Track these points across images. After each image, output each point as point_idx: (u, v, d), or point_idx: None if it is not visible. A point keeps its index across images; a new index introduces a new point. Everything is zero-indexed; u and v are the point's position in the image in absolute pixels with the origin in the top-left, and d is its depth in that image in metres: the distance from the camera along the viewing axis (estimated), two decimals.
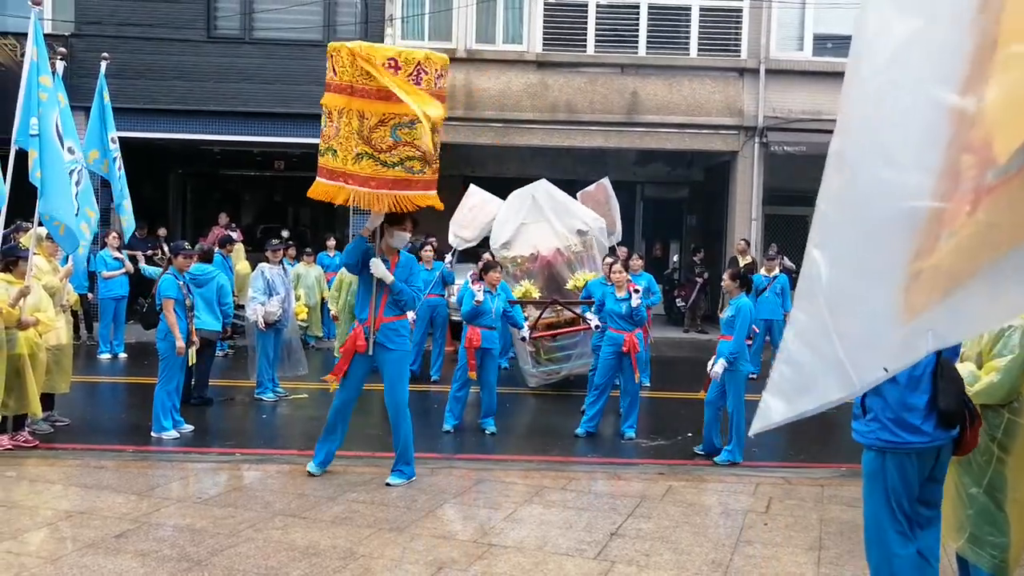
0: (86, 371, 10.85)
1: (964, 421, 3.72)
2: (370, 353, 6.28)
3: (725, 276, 7.57)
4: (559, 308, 10.38)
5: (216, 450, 7.37)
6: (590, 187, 11.73)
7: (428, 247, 11.41)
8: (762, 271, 12.15)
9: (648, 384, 10.64)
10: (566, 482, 6.48)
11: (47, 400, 7.62)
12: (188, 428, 7.85)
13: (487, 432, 8.15)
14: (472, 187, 11.97)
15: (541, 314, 10.27)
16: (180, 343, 7.66)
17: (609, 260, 9.30)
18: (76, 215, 7.50)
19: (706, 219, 17.96)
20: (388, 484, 6.23)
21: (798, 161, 15.14)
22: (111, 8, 14.39)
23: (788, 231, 17.98)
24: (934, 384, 3.69)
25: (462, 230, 11.47)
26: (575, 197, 11.30)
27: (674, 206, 19.21)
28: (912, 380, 3.69)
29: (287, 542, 5.04)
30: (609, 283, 8.49)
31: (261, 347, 9.43)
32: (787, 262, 13.99)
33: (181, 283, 7.89)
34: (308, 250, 13.43)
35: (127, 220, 9.67)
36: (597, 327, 8.49)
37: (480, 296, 8.11)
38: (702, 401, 7.50)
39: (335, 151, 5.98)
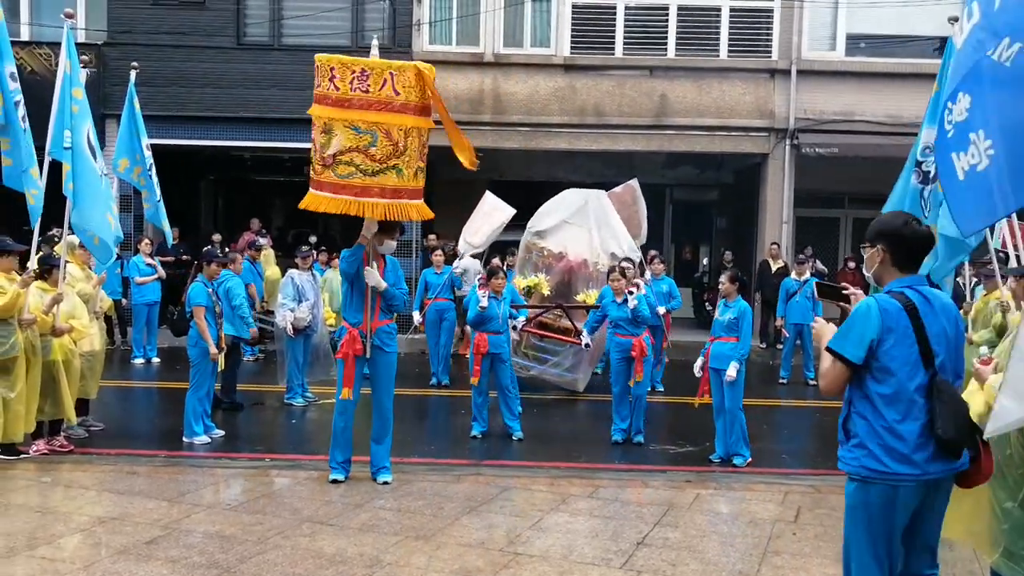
0: (120, 375, 11.03)
1: (974, 449, 3.27)
2: (367, 356, 6.41)
3: (724, 278, 7.58)
4: (559, 314, 10.40)
5: (246, 455, 7.45)
6: (618, 188, 11.67)
7: (438, 252, 11.50)
8: (793, 275, 12.02)
9: (662, 389, 10.55)
10: (592, 490, 6.46)
11: (82, 405, 7.76)
12: (219, 433, 7.95)
13: (513, 438, 8.15)
14: (487, 194, 11.93)
15: (543, 312, 10.29)
16: (213, 349, 7.75)
17: (625, 265, 9.22)
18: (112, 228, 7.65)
19: (736, 222, 17.78)
20: (387, 483, 6.42)
21: (829, 163, 14.96)
22: (142, 17, 14.60)
23: (819, 234, 17.77)
24: (930, 408, 3.21)
25: (472, 236, 11.48)
26: None
27: (703, 209, 19.06)
28: (898, 403, 3.22)
29: (314, 549, 5.07)
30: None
31: (291, 352, 9.54)
32: (819, 265, 13.82)
33: (211, 290, 7.97)
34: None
35: (164, 227, 9.77)
36: (587, 345, 8.67)
37: (484, 302, 8.17)
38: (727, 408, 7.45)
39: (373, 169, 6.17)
